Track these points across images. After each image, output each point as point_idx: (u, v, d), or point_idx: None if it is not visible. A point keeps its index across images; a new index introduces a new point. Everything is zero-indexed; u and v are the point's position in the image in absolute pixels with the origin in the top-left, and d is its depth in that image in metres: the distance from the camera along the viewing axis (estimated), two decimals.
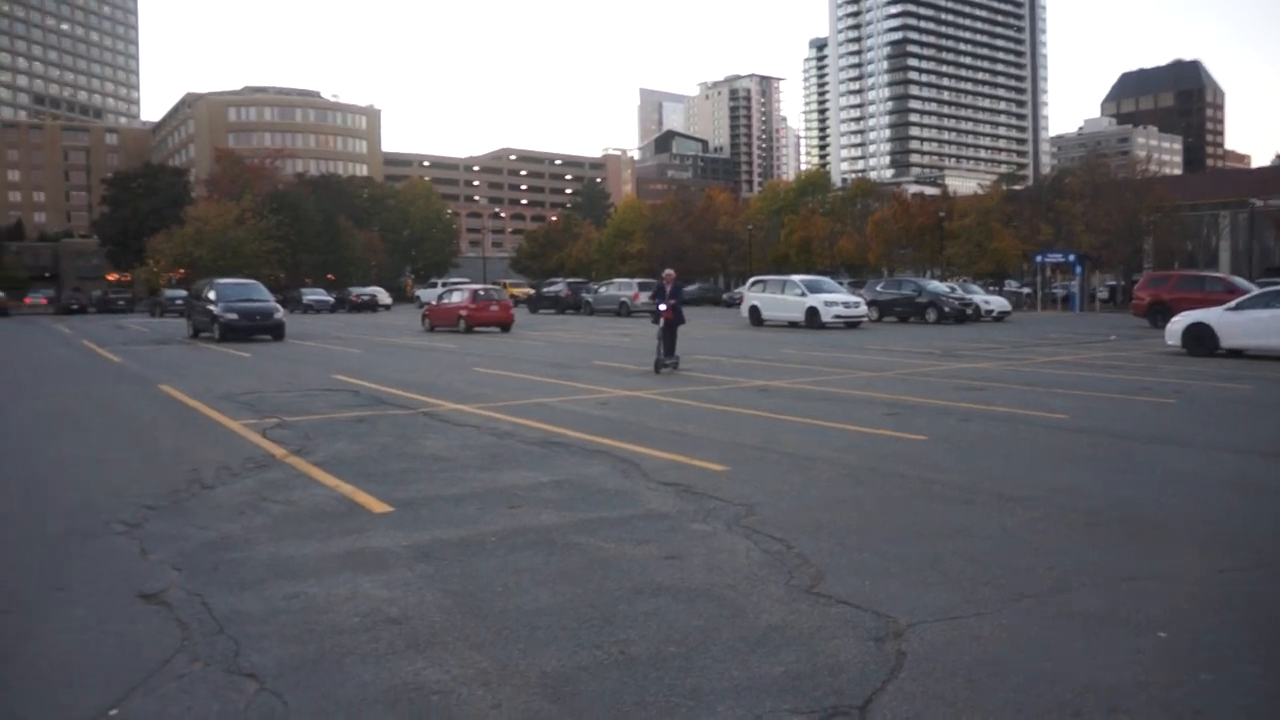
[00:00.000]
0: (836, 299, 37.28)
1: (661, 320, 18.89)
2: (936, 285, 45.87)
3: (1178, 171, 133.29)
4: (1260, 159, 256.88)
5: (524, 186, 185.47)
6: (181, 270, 77.26)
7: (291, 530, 6.80)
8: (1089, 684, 4.24)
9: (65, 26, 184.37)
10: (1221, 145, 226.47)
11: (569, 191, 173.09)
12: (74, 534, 6.84)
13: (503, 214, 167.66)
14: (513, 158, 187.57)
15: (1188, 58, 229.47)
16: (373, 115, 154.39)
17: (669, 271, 20.71)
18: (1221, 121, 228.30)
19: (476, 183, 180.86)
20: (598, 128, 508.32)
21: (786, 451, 10.01)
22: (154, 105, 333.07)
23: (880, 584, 5.58)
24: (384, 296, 71.02)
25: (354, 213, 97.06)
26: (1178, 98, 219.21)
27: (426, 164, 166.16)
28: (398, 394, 15.24)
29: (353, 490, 8.08)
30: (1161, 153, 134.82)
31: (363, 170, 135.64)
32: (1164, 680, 4.30)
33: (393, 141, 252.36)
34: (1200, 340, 22.67)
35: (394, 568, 5.88)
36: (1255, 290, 29.61)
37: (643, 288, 51.81)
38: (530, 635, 4.75)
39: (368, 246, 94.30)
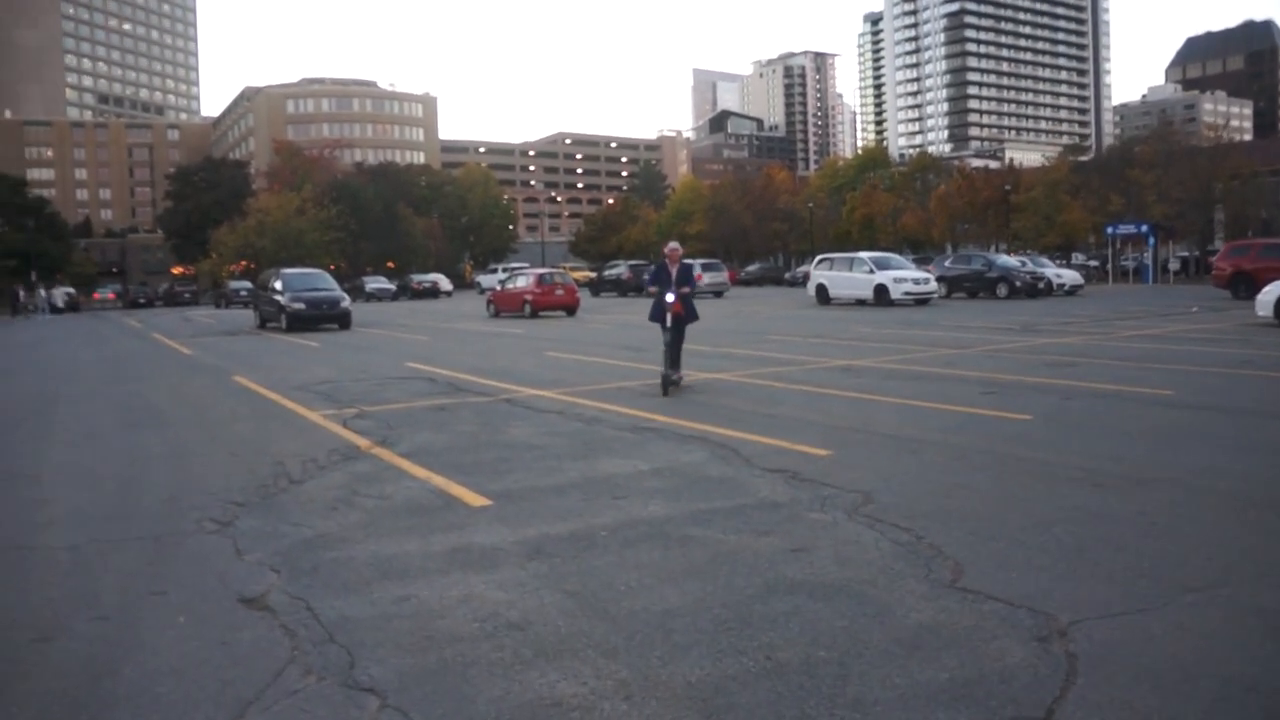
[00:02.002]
0: (906, 275, 36.55)
1: (669, 318, 12.99)
2: (1007, 260, 44.81)
3: (1248, 137, 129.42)
4: None
5: (580, 170, 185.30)
6: (244, 262, 78.15)
7: (389, 526, 6.53)
8: None
9: (127, 26, 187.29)
10: None
11: (625, 174, 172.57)
12: (166, 534, 6.62)
13: (559, 198, 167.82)
14: (568, 142, 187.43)
15: (1259, 18, 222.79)
16: (429, 103, 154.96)
17: (674, 246, 13.72)
18: None
19: (532, 168, 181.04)
20: (651, 109, 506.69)
21: (888, 434, 9.58)
22: (213, 100, 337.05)
23: (1026, 577, 5.16)
24: (445, 283, 71.25)
25: (412, 200, 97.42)
26: (1248, 60, 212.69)
27: (482, 150, 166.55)
28: (474, 380, 15.00)
29: (446, 482, 7.80)
30: (1231, 118, 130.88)
31: (420, 158, 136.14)
32: None
33: (449, 129, 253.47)
34: None
35: (504, 566, 5.57)
36: None
37: (707, 269, 51.16)
38: (666, 640, 4.40)
39: (427, 234, 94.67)
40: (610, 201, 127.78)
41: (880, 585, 5.10)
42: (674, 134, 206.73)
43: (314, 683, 4.07)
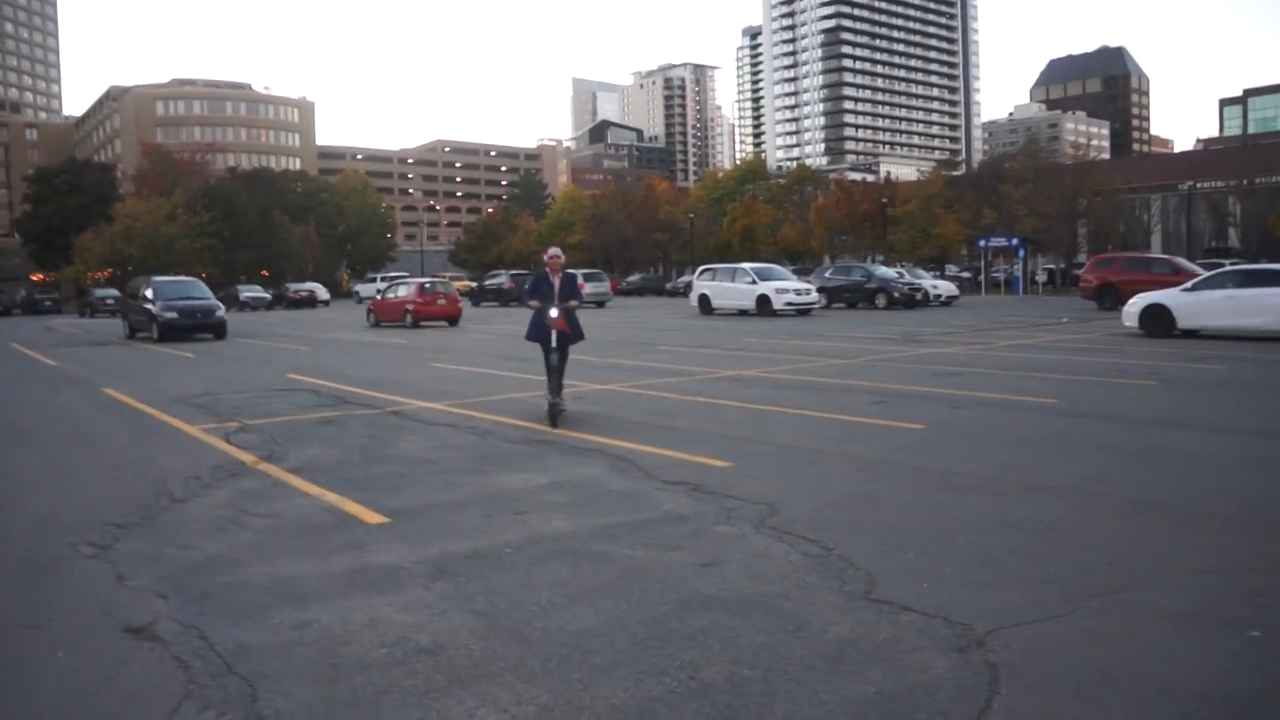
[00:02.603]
0: (788, 286, 37.07)
1: (553, 336, 11.14)
2: (885, 271, 45.85)
3: (1105, 156, 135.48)
4: (1182, 143, 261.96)
5: (459, 179, 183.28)
6: (110, 269, 75.15)
7: (283, 547, 6.24)
8: (1206, 693, 3.88)
9: None
10: (1147, 130, 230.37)
11: (504, 183, 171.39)
12: (38, 559, 6.19)
13: (438, 207, 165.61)
14: (447, 150, 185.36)
15: (1113, 44, 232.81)
16: (305, 108, 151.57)
17: (554, 253, 11.77)
18: (1146, 107, 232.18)
19: (411, 175, 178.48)
20: (531, 118, 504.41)
21: (786, 444, 9.61)
22: (76, 99, 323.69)
23: (938, 586, 5.18)
24: (322, 292, 69.59)
25: (288, 207, 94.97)
26: (1104, 83, 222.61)
27: (360, 157, 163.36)
28: (360, 392, 14.60)
29: (339, 499, 7.52)
30: (1090, 138, 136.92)
31: (296, 164, 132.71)
32: (1278, 687, 3.95)
33: (326, 135, 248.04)
34: (1158, 321, 22.73)
35: (408, 587, 5.36)
36: (1200, 271, 29.94)
37: (589, 279, 51.10)
38: (585, 662, 4.26)
39: (303, 242, 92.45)
40: (490, 210, 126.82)
41: (795, 599, 5.05)
42: (554, 143, 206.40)
43: (214, 719, 3.82)
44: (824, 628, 4.63)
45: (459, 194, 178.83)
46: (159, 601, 5.26)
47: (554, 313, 11.11)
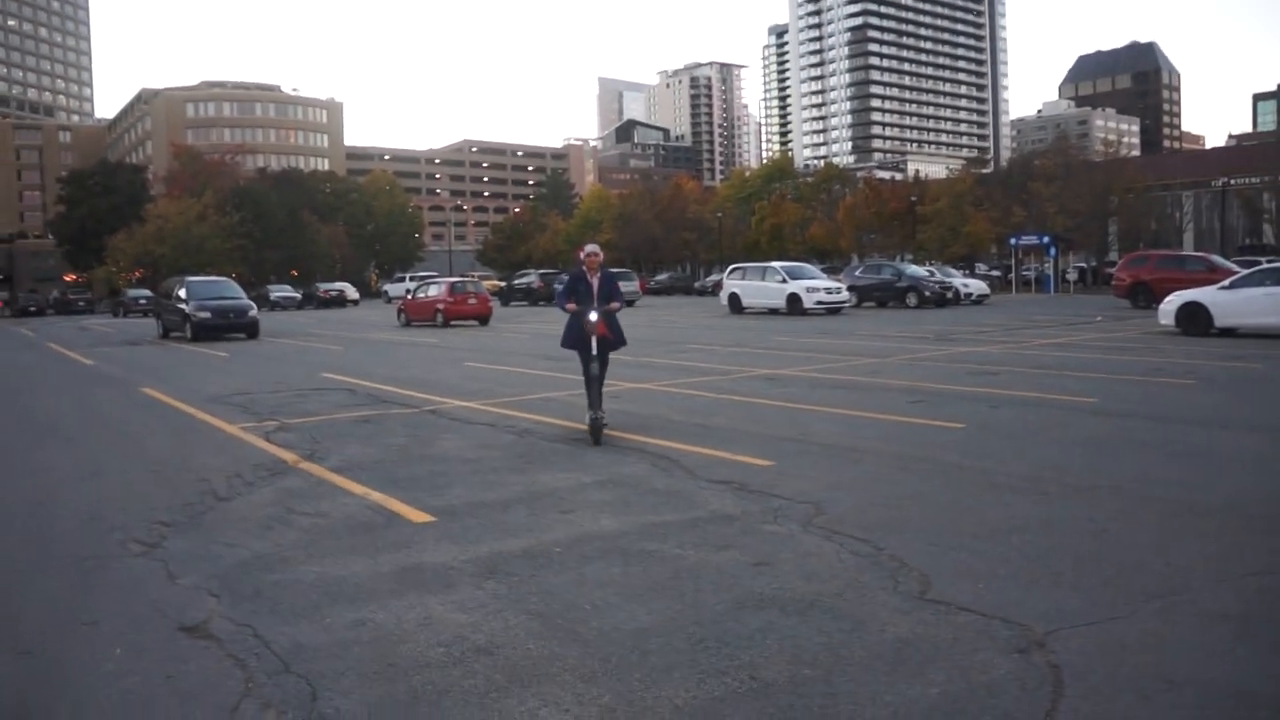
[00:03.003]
0: (818, 285, 36.95)
1: (593, 343, 10.02)
2: (916, 269, 45.61)
3: (1135, 153, 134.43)
4: (1214, 139, 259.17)
5: (486, 179, 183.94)
6: (142, 270, 75.81)
7: (331, 546, 6.26)
8: (1272, 697, 3.83)
9: (13, 23, 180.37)
10: (1177, 126, 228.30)
11: (531, 183, 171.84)
12: (88, 558, 6.24)
13: (465, 206, 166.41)
14: (474, 150, 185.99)
15: (1143, 40, 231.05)
16: (334, 108, 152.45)
17: (592, 250, 10.60)
18: (1177, 103, 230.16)
19: (438, 175, 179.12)
20: (558, 118, 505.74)
21: (826, 443, 9.57)
22: (108, 102, 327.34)
23: (994, 587, 5.14)
24: (352, 292, 69.99)
25: (317, 207, 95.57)
26: (1134, 79, 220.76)
27: (388, 157, 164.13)
28: (396, 391, 14.66)
29: (384, 498, 7.54)
30: (1120, 134, 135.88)
31: (325, 164, 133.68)
32: None
33: (354, 135, 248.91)
34: (1194, 319, 22.47)
35: (460, 586, 5.36)
36: (1236, 269, 29.61)
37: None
38: (643, 662, 4.25)
39: (332, 241, 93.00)
40: (517, 210, 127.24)
41: (850, 599, 5.02)
42: (580, 143, 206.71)
43: (275, 718, 3.82)
44: (882, 628, 4.59)
45: (486, 194, 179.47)
46: (211, 600, 5.29)
47: (594, 316, 9.90)
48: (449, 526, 6.65)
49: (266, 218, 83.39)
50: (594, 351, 9.99)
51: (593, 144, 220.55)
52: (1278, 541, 5.96)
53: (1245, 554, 5.70)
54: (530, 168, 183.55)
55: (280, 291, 64.86)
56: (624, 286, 52.26)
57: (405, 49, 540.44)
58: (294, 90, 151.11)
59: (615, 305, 10.31)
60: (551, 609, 4.97)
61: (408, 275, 77.58)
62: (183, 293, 30.37)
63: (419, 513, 7.04)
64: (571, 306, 10.17)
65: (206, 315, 29.07)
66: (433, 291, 35.69)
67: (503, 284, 66.67)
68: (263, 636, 4.69)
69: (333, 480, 8.30)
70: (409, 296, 38.16)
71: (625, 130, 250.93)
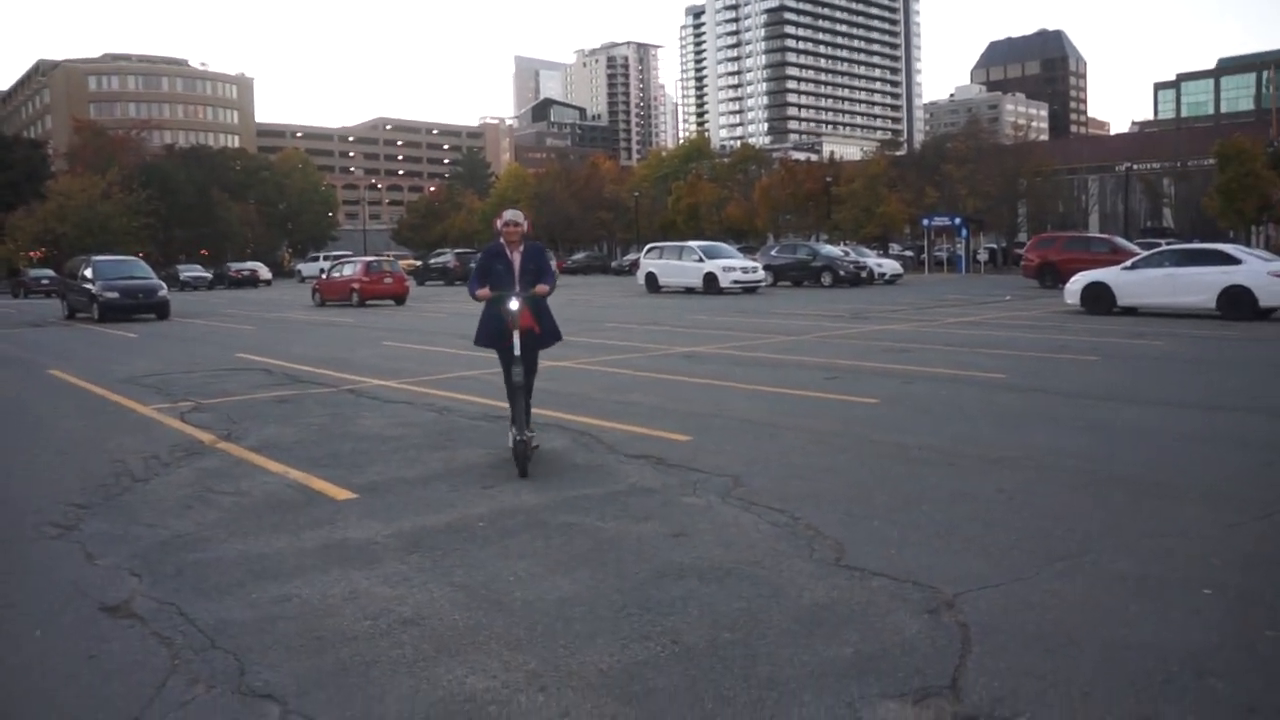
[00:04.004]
0: (734, 264, 37.27)
1: (516, 339, 7.56)
2: (830, 249, 46.26)
3: (1044, 137, 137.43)
4: (1118, 126, 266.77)
5: (401, 157, 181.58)
6: (43, 249, 73.40)
7: (253, 524, 6.23)
8: (1164, 648, 4.06)
9: None
10: (1084, 113, 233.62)
11: (447, 162, 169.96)
12: (2, 541, 6.13)
13: (380, 185, 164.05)
14: (388, 128, 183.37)
15: (1052, 28, 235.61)
16: (244, 84, 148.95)
17: (512, 218, 7.76)
18: (1083, 90, 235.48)
19: (352, 154, 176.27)
20: (473, 96, 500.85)
21: (744, 419, 9.74)
22: (2, 73, 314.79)
23: (906, 553, 5.33)
24: (264, 272, 68.66)
25: (228, 185, 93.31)
26: (1043, 66, 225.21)
27: (300, 135, 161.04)
28: (313, 371, 14.51)
29: (305, 476, 7.51)
30: (1029, 119, 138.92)
31: (235, 141, 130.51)
32: (1234, 641, 4.16)
33: (265, 112, 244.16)
34: (1098, 299, 23.21)
35: (385, 561, 5.39)
36: (1138, 251, 30.60)
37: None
38: (568, 629, 4.35)
39: (243, 220, 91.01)
40: (432, 189, 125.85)
41: (768, 566, 5.17)
42: (496, 121, 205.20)
43: (204, 692, 3.83)
44: (799, 593, 4.75)
45: (401, 172, 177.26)
46: (132, 580, 5.24)
47: (515, 305, 7.46)
48: (371, 503, 6.66)
49: (175, 196, 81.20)
50: (517, 351, 7.50)
51: (509, 123, 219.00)
52: (1172, 507, 6.25)
53: (1141, 519, 5.97)
54: (446, 146, 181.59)
55: (190, 271, 63.45)
56: None
57: (318, 24, 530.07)
58: (203, 64, 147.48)
59: (543, 288, 7.65)
60: (475, 581, 5.03)
61: (321, 255, 76.46)
62: (89, 272, 29.58)
63: (341, 490, 7.04)
64: (484, 293, 7.57)
65: (114, 295, 28.35)
66: (348, 271, 35.25)
67: (418, 263, 66.04)
68: (187, 614, 4.67)
69: (252, 459, 8.23)
70: (324, 276, 37.64)
71: (542, 109, 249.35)
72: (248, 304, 39.39)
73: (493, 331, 7.76)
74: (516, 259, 7.72)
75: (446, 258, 59.09)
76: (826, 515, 6.09)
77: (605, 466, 7.67)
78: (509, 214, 7.82)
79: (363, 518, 6.29)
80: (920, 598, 4.65)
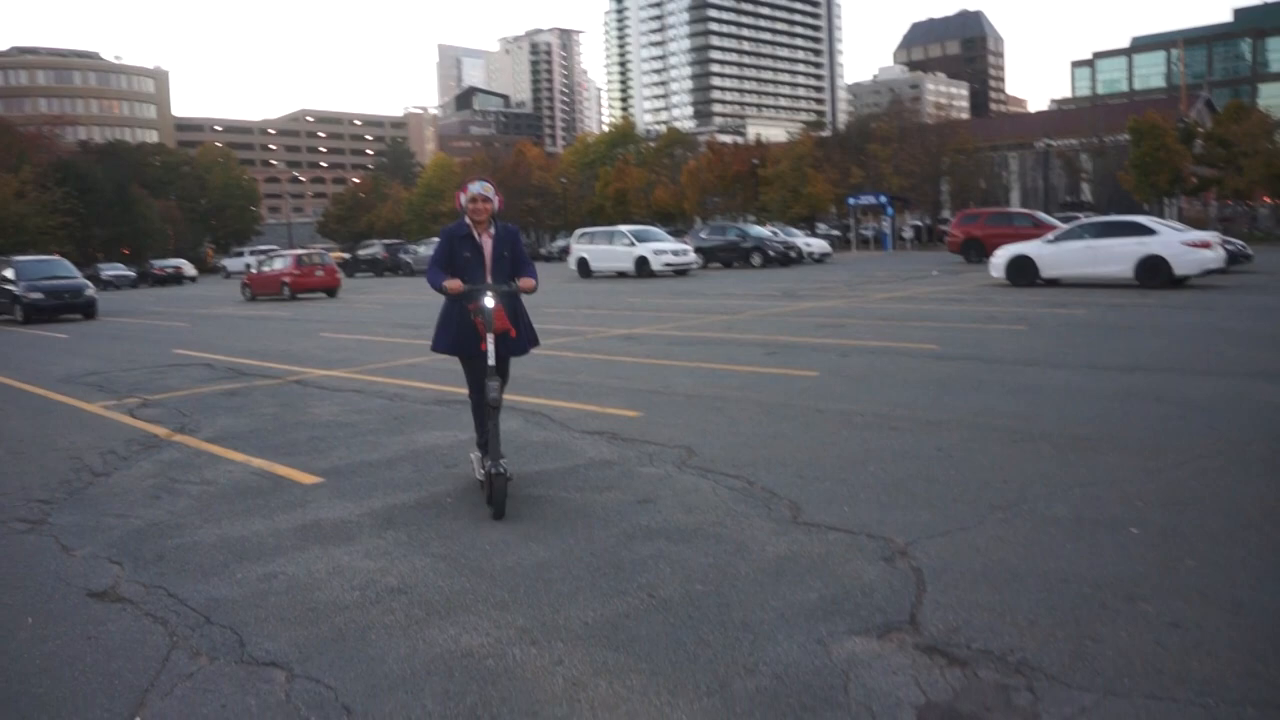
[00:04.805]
0: (666, 247, 37.64)
1: (490, 344, 6.15)
2: (759, 230, 46.81)
3: (965, 116, 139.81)
4: (1036, 104, 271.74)
5: (323, 149, 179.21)
6: None
7: (225, 509, 6.39)
8: (1098, 579, 4.44)
9: None
10: (1003, 91, 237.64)
11: (371, 152, 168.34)
12: None
13: (303, 178, 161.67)
14: (310, 119, 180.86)
15: (971, 8, 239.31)
16: (161, 78, 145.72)
17: (481, 191, 6.22)
18: (1002, 69, 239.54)
19: (274, 146, 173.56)
20: (396, 86, 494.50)
21: (690, 394, 10.05)
22: None
23: (858, 509, 5.67)
24: (189, 268, 67.62)
25: (147, 182, 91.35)
26: (964, 46, 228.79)
27: (220, 128, 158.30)
28: (255, 364, 14.53)
29: (267, 464, 7.66)
30: (951, 98, 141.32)
31: (153, 136, 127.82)
32: (1157, 570, 4.57)
33: (183, 106, 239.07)
34: (1022, 271, 23.96)
35: (362, 538, 5.60)
36: (1059, 224, 31.52)
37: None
38: (549, 589, 4.61)
39: (164, 217, 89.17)
40: (357, 180, 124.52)
41: (730, 526, 5.48)
42: (420, 111, 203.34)
43: (207, 664, 4.01)
44: (762, 548, 5.06)
45: (324, 164, 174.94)
46: (114, 567, 5.38)
47: (490, 302, 6.10)
48: (339, 485, 6.85)
49: (92, 193, 79.27)
50: (492, 360, 6.15)
51: (433, 112, 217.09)
52: (1097, 458, 6.67)
53: (1071, 470, 6.39)
54: (369, 137, 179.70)
55: (113, 270, 62.26)
56: None
57: (235, 15, 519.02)
58: (116, 58, 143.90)
59: (529, 282, 6.33)
60: (454, 551, 5.27)
61: (246, 249, 75.41)
62: (10, 273, 29.00)
63: (306, 475, 7.20)
64: (455, 285, 6.10)
65: (39, 296, 27.87)
66: (278, 265, 35.01)
67: (347, 256, 65.50)
68: (177, 595, 4.84)
69: (211, 450, 8.34)
70: (253, 270, 37.29)
71: (466, 97, 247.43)
72: (176, 301, 38.84)
73: (460, 335, 6.30)
74: (488, 244, 6.30)
75: (375, 249, 58.84)
76: (780, 478, 6.41)
77: (562, 443, 7.93)
78: (477, 187, 6.25)
79: (333, 499, 6.48)
80: (875, 547, 4.99)
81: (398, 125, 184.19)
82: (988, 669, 3.62)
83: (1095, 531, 5.14)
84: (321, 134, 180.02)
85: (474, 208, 6.25)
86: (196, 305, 34.64)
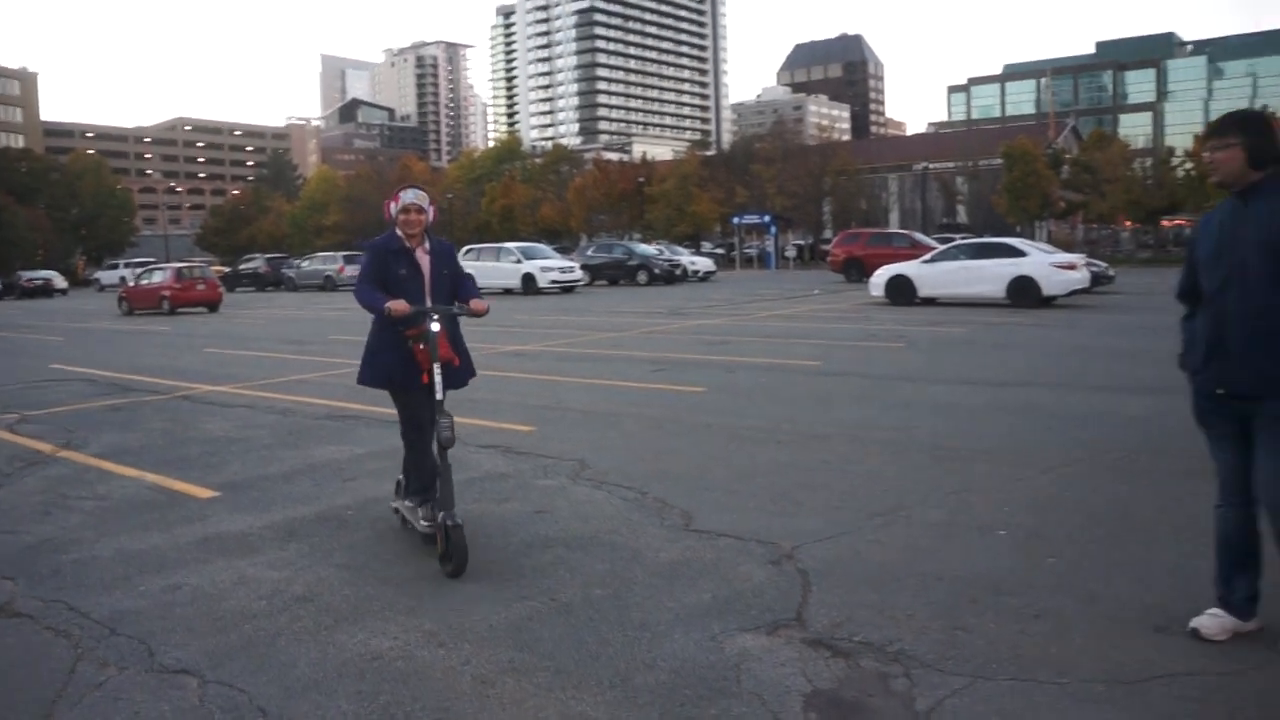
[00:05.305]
0: (552, 264, 37.85)
1: (436, 375, 5.39)
2: (645, 248, 47.36)
3: (846, 138, 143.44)
4: (915, 127, 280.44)
5: (202, 159, 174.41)
6: None
7: (121, 524, 6.37)
8: (969, 576, 4.81)
9: None
10: (883, 114, 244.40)
11: (251, 164, 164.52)
12: None
13: (180, 189, 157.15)
14: (188, 128, 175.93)
15: (852, 32, 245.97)
16: (27, 80, 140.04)
17: (414, 200, 5.61)
18: (882, 92, 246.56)
19: (149, 155, 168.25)
20: (278, 96, 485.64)
21: (582, 409, 10.27)
22: None
23: (746, 517, 5.96)
24: (60, 280, 65.14)
25: (13, 189, 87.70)
26: (845, 69, 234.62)
27: (92, 135, 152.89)
28: (139, 379, 14.26)
29: (161, 479, 7.62)
30: (833, 120, 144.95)
31: (19, 141, 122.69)
32: (1023, 567, 4.98)
33: (52, 110, 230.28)
34: (901, 290, 24.82)
35: (265, 550, 5.67)
36: (936, 245, 32.69)
37: (350, 260, 50.51)
38: (453, 594, 4.79)
39: (32, 226, 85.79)
40: (236, 192, 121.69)
41: (625, 534, 5.72)
42: (302, 122, 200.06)
43: (116, 674, 4.05)
44: (656, 554, 5.32)
45: (202, 175, 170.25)
46: (6, 583, 5.33)
47: (437, 326, 5.40)
48: (237, 499, 6.88)
49: None
50: (440, 394, 5.41)
51: (315, 123, 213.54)
52: (969, 467, 7.11)
53: (945, 478, 6.81)
54: (249, 148, 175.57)
55: None
56: (356, 270, 51.74)
57: (108, 17, 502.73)
58: None
59: (481, 305, 5.77)
60: (357, 561, 5.40)
61: (122, 262, 73.08)
62: None
63: (202, 489, 7.21)
64: (401, 306, 5.33)
65: None
66: (158, 278, 34.08)
67: (228, 270, 64.00)
68: (78, 609, 4.85)
69: (101, 465, 8.25)
70: (131, 284, 36.26)
71: (349, 110, 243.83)
72: (48, 314, 37.50)
73: (397, 366, 5.57)
74: (425, 261, 5.68)
75: (257, 263, 57.65)
76: (671, 489, 6.68)
77: (458, 457, 7.93)
78: (410, 195, 5.63)
79: (232, 512, 6.51)
80: (763, 552, 5.28)
81: (279, 136, 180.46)
82: (868, 659, 3.93)
83: (966, 534, 5.53)
84: (200, 143, 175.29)
85: (406, 219, 5.59)
86: (71, 319, 33.52)
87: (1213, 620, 4.08)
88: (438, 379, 5.37)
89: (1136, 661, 3.85)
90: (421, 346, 5.37)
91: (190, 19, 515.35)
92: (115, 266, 69.42)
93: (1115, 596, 4.54)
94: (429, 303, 5.56)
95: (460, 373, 5.82)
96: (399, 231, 5.63)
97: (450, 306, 5.65)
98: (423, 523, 5.57)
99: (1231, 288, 3.85)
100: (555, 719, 3.53)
